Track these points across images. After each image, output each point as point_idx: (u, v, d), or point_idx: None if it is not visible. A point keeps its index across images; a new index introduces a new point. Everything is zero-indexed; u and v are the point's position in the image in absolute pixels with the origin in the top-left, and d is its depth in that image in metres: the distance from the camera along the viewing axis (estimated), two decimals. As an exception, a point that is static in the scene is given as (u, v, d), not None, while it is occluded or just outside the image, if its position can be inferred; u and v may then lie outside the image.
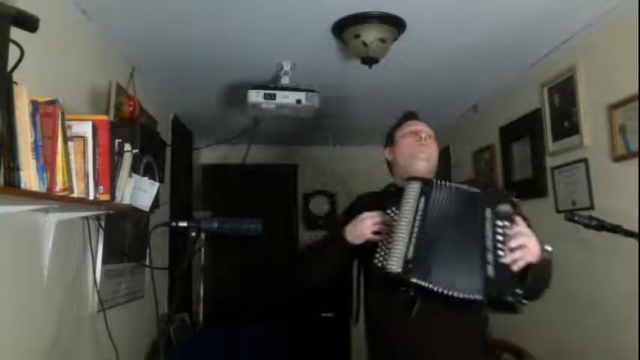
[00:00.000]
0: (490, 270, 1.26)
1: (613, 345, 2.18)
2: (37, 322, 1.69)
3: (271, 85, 2.73)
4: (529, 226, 1.37)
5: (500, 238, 1.29)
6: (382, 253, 1.34)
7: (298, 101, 2.66)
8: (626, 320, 2.07)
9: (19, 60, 1.21)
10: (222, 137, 3.93)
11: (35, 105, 1.30)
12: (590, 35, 2.32)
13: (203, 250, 4.21)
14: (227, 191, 4.58)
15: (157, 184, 2.05)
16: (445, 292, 1.27)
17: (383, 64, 2.39)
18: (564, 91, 2.52)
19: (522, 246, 1.29)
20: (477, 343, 1.50)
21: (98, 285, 2.09)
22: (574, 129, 2.44)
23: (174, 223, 1.38)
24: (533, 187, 2.83)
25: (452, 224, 1.34)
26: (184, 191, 3.98)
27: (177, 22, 2.22)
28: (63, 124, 1.43)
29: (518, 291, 1.26)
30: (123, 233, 2.46)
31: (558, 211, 2.57)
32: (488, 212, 1.32)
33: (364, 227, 1.44)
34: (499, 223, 1.31)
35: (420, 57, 2.66)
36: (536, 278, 1.32)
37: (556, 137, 2.60)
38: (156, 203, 2.06)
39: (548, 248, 1.34)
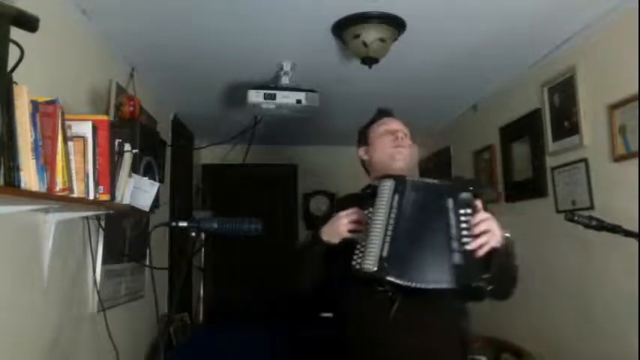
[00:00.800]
0: (457, 258, 1.29)
1: (613, 345, 2.18)
2: (37, 322, 1.69)
3: (271, 85, 2.73)
4: (489, 211, 1.39)
5: (463, 225, 1.31)
6: (359, 254, 1.34)
7: (298, 101, 2.66)
8: (626, 320, 2.07)
9: (19, 60, 1.22)
10: (222, 137, 3.93)
11: (35, 105, 1.30)
12: (590, 35, 2.32)
13: (203, 250, 4.21)
14: (227, 191, 4.58)
15: (156, 184, 2.05)
16: (418, 286, 1.28)
17: (383, 64, 2.39)
18: (564, 91, 2.52)
19: (485, 231, 1.31)
20: (457, 341, 1.49)
21: (98, 285, 2.09)
22: (574, 129, 2.44)
23: (174, 223, 1.37)
24: (533, 187, 2.83)
25: (423, 219, 1.35)
26: (184, 191, 3.99)
27: (177, 22, 2.22)
28: (63, 124, 1.43)
29: (485, 276, 1.28)
30: (123, 233, 2.46)
31: (558, 211, 2.57)
32: (450, 202, 1.34)
33: (340, 225, 1.44)
34: (461, 211, 1.33)
35: (420, 57, 2.66)
36: (500, 263, 1.34)
37: (556, 137, 2.60)
38: (156, 203, 2.06)
39: (507, 234, 1.37)
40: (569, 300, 2.53)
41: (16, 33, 1.19)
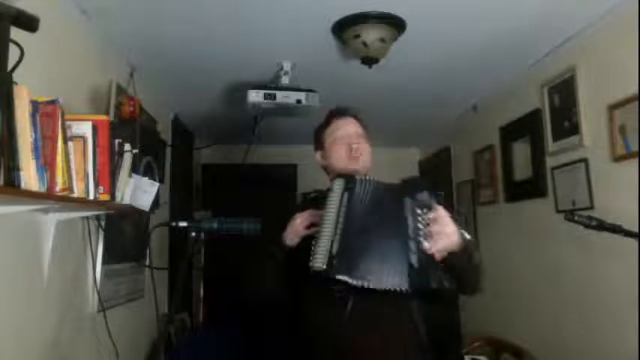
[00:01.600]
0: (413, 259, 1.28)
1: (613, 345, 2.18)
2: (37, 322, 1.69)
3: (271, 85, 2.73)
4: (449, 213, 1.38)
5: (420, 226, 1.30)
6: (312, 253, 1.33)
7: (298, 101, 2.66)
8: (626, 320, 2.07)
9: (19, 60, 1.21)
10: (222, 137, 3.93)
11: (35, 105, 1.30)
12: (590, 35, 2.32)
13: (203, 250, 4.21)
14: (227, 191, 4.58)
15: (156, 184, 2.05)
16: (372, 286, 1.27)
17: (383, 64, 2.39)
18: (564, 91, 2.52)
19: (440, 232, 1.30)
20: (414, 341, 1.49)
21: (98, 285, 2.09)
22: (574, 129, 2.44)
23: (174, 223, 1.38)
24: (533, 187, 2.84)
25: (376, 217, 1.35)
26: (184, 191, 3.99)
27: (178, 22, 2.22)
28: (63, 124, 1.43)
29: (443, 280, 1.27)
30: (123, 233, 2.46)
31: (558, 211, 2.57)
32: (408, 202, 1.33)
33: (295, 225, 1.46)
34: (418, 211, 1.32)
35: (420, 57, 2.66)
36: (458, 264, 1.33)
37: (556, 137, 2.60)
38: (156, 203, 2.07)
39: (466, 234, 1.36)
40: (569, 300, 2.53)
41: (16, 33, 1.19)
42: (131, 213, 2.11)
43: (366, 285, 1.27)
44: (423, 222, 1.31)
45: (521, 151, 2.99)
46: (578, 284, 2.46)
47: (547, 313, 2.70)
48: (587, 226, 1.56)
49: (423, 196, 1.34)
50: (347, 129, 1.61)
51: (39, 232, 1.66)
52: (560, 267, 2.60)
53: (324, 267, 1.27)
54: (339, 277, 1.27)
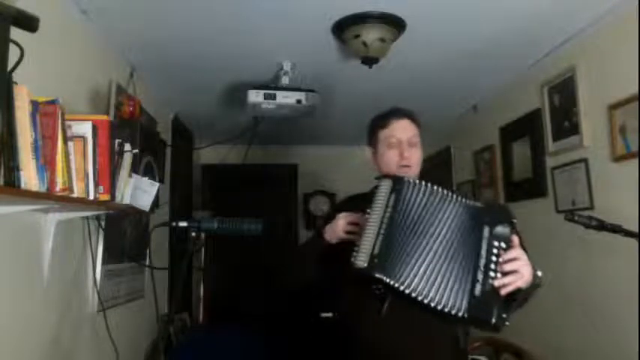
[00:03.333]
0: (478, 289, 1.23)
1: (613, 345, 2.18)
2: (37, 322, 1.69)
3: (271, 85, 2.73)
4: (523, 246, 1.34)
5: (494, 259, 1.25)
6: (354, 253, 1.33)
7: (298, 101, 2.66)
8: (626, 320, 2.07)
9: (19, 60, 1.21)
10: (222, 137, 3.92)
11: (35, 105, 1.30)
12: (590, 35, 2.32)
13: (203, 250, 4.21)
14: (227, 191, 4.58)
15: (156, 184, 2.05)
16: (419, 298, 1.24)
17: (383, 64, 2.39)
18: (564, 91, 2.52)
19: (515, 271, 1.25)
20: (449, 344, 1.48)
21: (98, 285, 2.09)
22: (574, 129, 2.44)
23: (174, 223, 1.38)
24: (533, 187, 2.84)
25: (432, 225, 1.31)
26: (184, 191, 3.99)
27: (178, 22, 2.22)
28: (63, 124, 1.43)
29: (504, 315, 1.22)
30: (123, 233, 2.46)
31: (558, 211, 2.57)
32: (486, 231, 1.28)
33: (338, 226, 1.46)
34: (495, 243, 1.27)
35: (420, 57, 2.66)
36: (521, 303, 1.30)
37: (556, 137, 2.60)
38: (156, 203, 2.07)
39: (539, 274, 1.31)
40: (570, 300, 2.53)
41: (16, 33, 1.19)
42: (131, 213, 2.11)
43: (413, 295, 1.24)
44: (497, 255, 1.26)
45: (521, 151, 2.99)
46: (578, 284, 2.46)
47: (547, 313, 2.70)
48: (587, 226, 1.56)
49: (504, 229, 1.28)
50: (401, 135, 1.57)
51: (39, 232, 1.66)
52: (561, 267, 2.60)
53: (365, 265, 1.27)
54: (378, 275, 1.26)
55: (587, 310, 2.38)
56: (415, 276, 1.26)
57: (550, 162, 2.67)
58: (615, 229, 1.54)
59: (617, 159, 2.15)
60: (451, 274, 1.26)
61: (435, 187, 1.37)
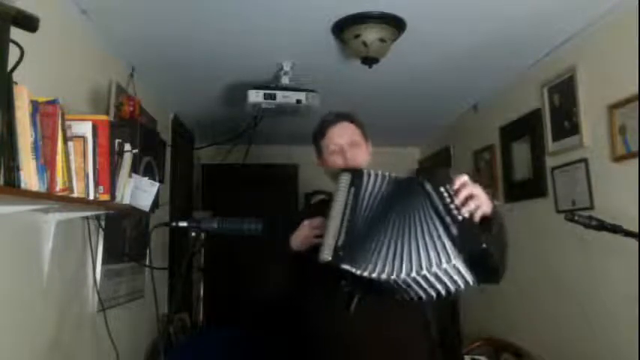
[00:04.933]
0: (454, 229, 1.19)
1: (613, 345, 2.18)
2: (37, 322, 1.69)
3: (271, 85, 2.73)
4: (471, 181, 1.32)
5: (448, 200, 1.23)
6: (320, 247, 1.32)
7: (298, 101, 2.66)
8: (626, 320, 2.07)
9: (19, 60, 1.21)
10: (222, 137, 3.93)
11: (35, 105, 1.30)
12: (590, 35, 2.32)
13: (203, 250, 4.21)
14: (227, 191, 4.58)
15: (156, 184, 2.05)
16: (384, 277, 1.19)
17: (383, 64, 2.39)
18: (564, 91, 2.52)
19: (471, 195, 1.24)
20: (423, 341, 1.48)
21: (98, 285, 2.09)
22: (574, 129, 2.44)
23: (174, 223, 1.37)
24: (533, 187, 2.84)
25: (391, 208, 1.31)
26: (184, 191, 3.99)
27: (177, 22, 2.22)
28: (63, 124, 1.43)
29: (490, 237, 1.19)
30: (123, 233, 2.46)
31: (558, 211, 2.57)
32: (427, 186, 1.27)
33: (304, 233, 1.47)
34: (441, 189, 1.25)
35: (420, 57, 2.66)
36: (498, 227, 1.27)
37: (556, 137, 2.60)
38: (156, 203, 2.06)
39: (496, 202, 1.32)
40: (569, 300, 2.53)
41: (16, 33, 1.19)
42: (131, 213, 2.11)
43: (375, 275, 1.20)
44: (449, 196, 1.24)
45: (521, 151, 2.99)
46: (578, 284, 2.46)
47: (547, 313, 2.70)
48: (587, 226, 1.56)
49: (441, 175, 1.30)
50: (339, 141, 1.60)
51: (39, 232, 1.66)
52: (560, 267, 2.60)
53: (329, 258, 1.26)
54: (344, 266, 1.24)
55: (587, 310, 2.38)
56: (379, 259, 1.23)
57: (550, 162, 2.67)
58: (615, 229, 1.54)
59: (617, 159, 2.15)
60: (420, 239, 1.22)
61: (389, 174, 1.38)
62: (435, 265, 1.17)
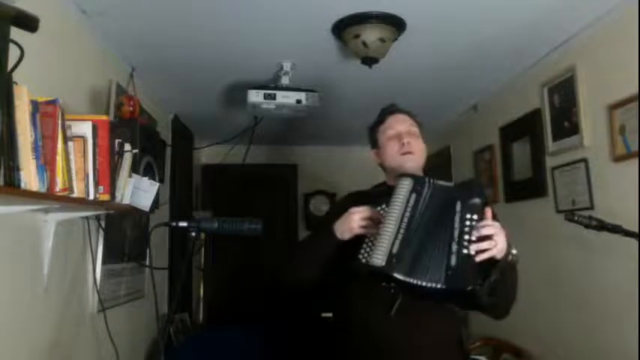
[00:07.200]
0: (453, 259, 1.27)
1: (612, 344, 2.18)
2: (37, 322, 1.69)
3: (271, 85, 2.73)
4: (496, 219, 1.38)
5: (467, 229, 1.29)
6: (367, 249, 1.34)
7: (298, 101, 2.66)
8: (626, 320, 2.07)
9: (19, 60, 1.21)
10: (222, 137, 3.92)
11: (35, 105, 1.30)
12: (590, 35, 2.32)
13: (203, 250, 4.21)
14: (227, 191, 4.58)
15: (156, 184, 2.05)
16: (414, 282, 1.28)
17: (383, 64, 2.39)
18: (564, 91, 2.52)
19: (488, 237, 1.28)
20: (453, 344, 1.51)
21: (98, 285, 2.09)
22: (574, 129, 2.44)
23: (174, 223, 1.37)
24: (533, 187, 2.84)
25: (432, 220, 1.35)
26: (184, 191, 3.98)
27: (178, 22, 2.22)
28: (63, 124, 1.43)
29: (480, 282, 1.25)
30: (123, 233, 2.46)
31: (558, 211, 2.57)
32: (458, 205, 1.32)
33: (352, 221, 1.43)
34: (467, 215, 1.31)
35: (420, 57, 2.66)
36: (501, 276, 1.31)
37: (556, 137, 2.60)
38: (156, 203, 2.06)
39: (514, 251, 1.34)
40: (569, 300, 2.53)
41: (16, 33, 1.19)
42: (131, 213, 2.11)
43: (412, 281, 1.28)
44: (470, 226, 1.29)
45: (521, 151, 2.99)
46: (578, 284, 2.46)
47: (547, 313, 2.70)
48: (587, 226, 1.56)
49: (475, 200, 1.33)
50: (398, 127, 1.62)
51: (39, 232, 1.66)
52: (560, 267, 2.60)
53: (383, 264, 1.28)
54: (397, 275, 1.28)
55: (587, 310, 2.38)
56: (418, 268, 1.29)
57: (550, 162, 2.67)
58: (615, 229, 1.54)
59: (617, 159, 2.15)
60: (435, 254, 1.30)
61: (441, 184, 1.40)
62: (431, 283, 1.28)
